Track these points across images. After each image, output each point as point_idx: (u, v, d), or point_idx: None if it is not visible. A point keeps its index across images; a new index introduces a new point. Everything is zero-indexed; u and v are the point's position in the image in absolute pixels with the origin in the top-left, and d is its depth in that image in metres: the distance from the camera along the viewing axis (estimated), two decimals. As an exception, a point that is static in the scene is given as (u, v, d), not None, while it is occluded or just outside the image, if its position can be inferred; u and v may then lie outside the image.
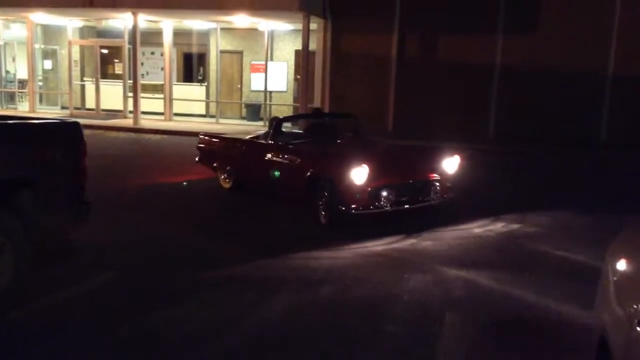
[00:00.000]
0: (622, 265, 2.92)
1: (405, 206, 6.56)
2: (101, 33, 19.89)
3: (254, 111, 18.34)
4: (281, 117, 8.23)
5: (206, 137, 9.10)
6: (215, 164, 8.70)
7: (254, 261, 5.44)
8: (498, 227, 6.86)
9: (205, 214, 7.41)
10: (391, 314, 4.26)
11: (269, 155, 7.52)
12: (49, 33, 20.32)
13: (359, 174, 6.21)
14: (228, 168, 8.42)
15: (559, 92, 14.43)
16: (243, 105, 19.02)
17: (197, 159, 9.09)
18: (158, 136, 15.24)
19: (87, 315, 4.19)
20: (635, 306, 2.46)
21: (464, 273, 5.18)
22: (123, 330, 3.91)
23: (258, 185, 8.12)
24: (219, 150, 8.69)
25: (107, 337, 3.83)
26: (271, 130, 7.75)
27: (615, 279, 2.91)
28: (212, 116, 18.49)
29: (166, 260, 5.45)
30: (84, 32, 20.12)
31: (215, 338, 3.83)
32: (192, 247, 5.90)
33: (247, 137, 8.54)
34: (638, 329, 2.33)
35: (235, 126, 16.47)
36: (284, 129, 7.99)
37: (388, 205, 6.36)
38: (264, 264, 5.36)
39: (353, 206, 6.28)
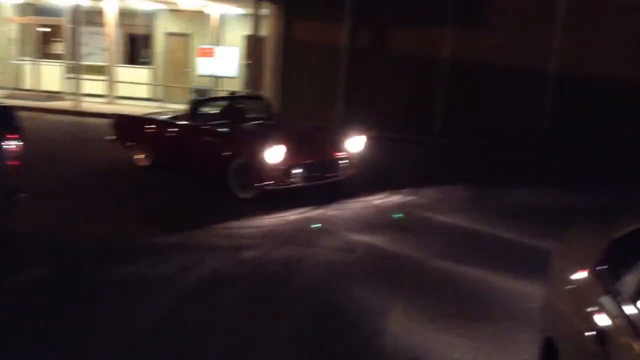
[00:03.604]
0: (569, 268, 3.23)
1: (316, 182, 8.62)
2: (41, 11, 21.21)
3: (201, 96, 20.05)
4: (199, 99, 10.04)
5: (122, 118, 10.69)
6: (130, 144, 10.16)
7: (184, 232, 7.13)
8: (395, 199, 9.13)
9: (129, 193, 8.96)
10: (304, 267, 6.12)
11: (188, 136, 9.15)
12: (-16, 9, 21.58)
13: (274, 154, 8.17)
14: (146, 148, 9.92)
15: (505, 87, 16.65)
16: (191, 90, 20.77)
17: (111, 138, 10.50)
18: (99, 120, 16.29)
19: (34, 301, 4.88)
20: (584, 311, 2.70)
21: (363, 236, 7.26)
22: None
23: (176, 164, 9.63)
24: (136, 130, 10.08)
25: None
26: (189, 112, 9.33)
27: (563, 282, 3.19)
28: (158, 100, 19.96)
29: (104, 237, 6.68)
30: (23, 8, 21.49)
31: (165, 285, 5.48)
32: (124, 224, 7.27)
33: (163, 117, 10.06)
34: (587, 333, 2.54)
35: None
36: (201, 111, 9.53)
37: (300, 181, 8.38)
38: (195, 234, 7.08)
39: (269, 182, 8.24)
